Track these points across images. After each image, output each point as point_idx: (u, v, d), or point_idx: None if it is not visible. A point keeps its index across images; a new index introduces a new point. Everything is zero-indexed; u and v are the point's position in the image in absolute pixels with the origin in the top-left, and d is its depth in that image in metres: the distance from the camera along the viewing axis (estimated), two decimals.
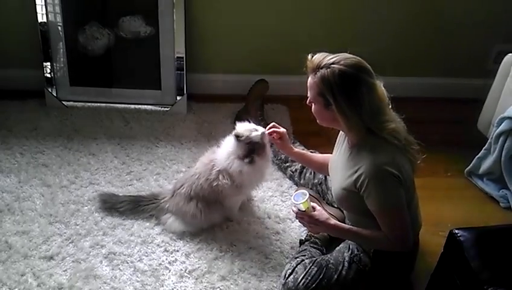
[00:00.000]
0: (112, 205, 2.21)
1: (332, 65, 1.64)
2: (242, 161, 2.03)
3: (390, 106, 1.72)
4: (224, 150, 2.09)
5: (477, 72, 2.99)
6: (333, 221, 1.83)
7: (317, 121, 1.83)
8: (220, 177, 2.06)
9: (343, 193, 1.79)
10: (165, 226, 2.17)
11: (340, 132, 1.94)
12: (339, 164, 1.85)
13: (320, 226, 1.82)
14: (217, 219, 2.18)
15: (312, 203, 1.84)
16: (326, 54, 1.69)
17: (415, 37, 2.93)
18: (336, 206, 2.17)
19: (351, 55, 1.68)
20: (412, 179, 1.79)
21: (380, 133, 1.68)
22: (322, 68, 1.65)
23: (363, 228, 1.83)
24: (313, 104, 1.76)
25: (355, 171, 1.71)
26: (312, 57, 1.70)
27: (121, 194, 2.27)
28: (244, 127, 2.07)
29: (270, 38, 2.90)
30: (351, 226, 1.83)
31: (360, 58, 1.68)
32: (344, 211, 2.00)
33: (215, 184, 2.06)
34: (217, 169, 2.07)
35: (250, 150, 2.02)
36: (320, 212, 1.83)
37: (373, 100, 1.66)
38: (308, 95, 1.75)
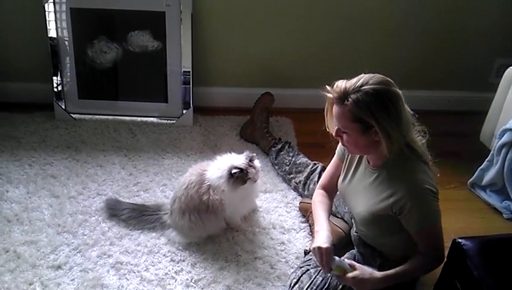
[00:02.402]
0: (115, 211, 2.25)
1: (362, 87, 1.58)
2: (229, 181, 2.06)
3: (414, 114, 1.70)
4: (217, 167, 2.11)
5: (480, 86, 3.03)
6: (379, 273, 1.71)
7: (348, 151, 1.79)
8: (211, 192, 2.08)
9: (372, 217, 1.76)
10: (169, 240, 2.19)
11: (339, 151, 1.94)
12: (360, 187, 1.81)
13: (366, 284, 1.70)
14: (213, 229, 2.18)
15: (348, 261, 1.74)
16: (344, 80, 1.63)
17: (417, 51, 2.97)
18: (339, 216, 2.19)
19: (371, 74, 1.63)
20: None
21: (414, 145, 1.67)
22: (351, 94, 1.58)
23: (381, 245, 1.86)
24: (344, 135, 1.68)
25: (391, 195, 1.67)
26: (332, 86, 1.64)
27: (125, 201, 2.31)
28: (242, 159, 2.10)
29: (275, 52, 2.94)
30: (397, 270, 1.72)
31: (380, 74, 1.65)
32: (356, 226, 1.97)
33: (205, 198, 2.08)
34: (208, 183, 2.09)
35: (237, 175, 2.05)
36: (362, 270, 1.71)
37: (406, 111, 1.64)
38: (337, 125, 1.68)
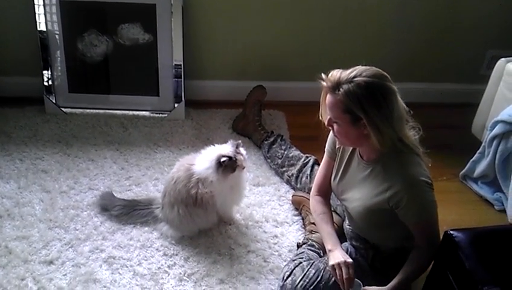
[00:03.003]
0: (107, 206, 2.24)
1: (355, 78, 1.58)
2: (218, 171, 2.04)
3: (408, 111, 1.69)
4: (204, 160, 2.10)
5: (471, 78, 3.04)
6: (385, 288, 1.72)
7: (339, 142, 1.78)
8: (200, 185, 2.06)
9: (368, 211, 1.76)
10: (162, 234, 2.19)
11: (328, 150, 1.94)
12: (354, 182, 1.82)
13: None
14: (203, 223, 2.17)
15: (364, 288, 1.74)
16: (341, 70, 1.63)
17: (409, 43, 2.97)
18: (332, 209, 2.18)
19: (367, 66, 1.63)
20: None
21: (407, 140, 1.66)
22: (343, 84, 1.58)
23: (375, 238, 1.87)
24: (334, 125, 1.69)
25: (387, 189, 1.68)
26: (327, 75, 1.64)
27: (118, 196, 2.30)
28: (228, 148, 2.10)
29: (267, 45, 2.93)
30: (400, 276, 1.73)
31: (376, 68, 1.64)
32: (349, 219, 1.97)
33: (193, 191, 2.06)
34: (197, 177, 2.07)
35: (226, 164, 2.04)
36: None
37: (399, 107, 1.63)
38: (328, 114, 1.68)
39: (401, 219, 1.71)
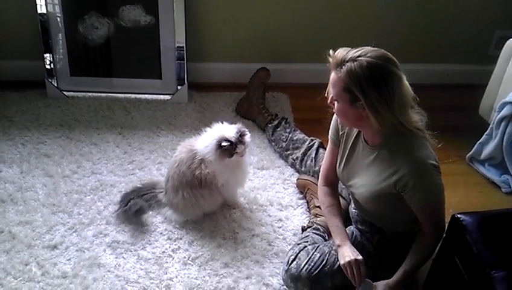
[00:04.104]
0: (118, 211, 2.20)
1: (359, 58, 1.55)
2: (215, 152, 2.02)
3: (415, 98, 1.65)
4: (206, 138, 2.08)
5: (479, 58, 3.00)
6: (391, 280, 1.72)
7: (340, 120, 1.78)
8: (203, 166, 2.05)
9: (374, 195, 1.74)
10: (166, 218, 2.18)
11: (332, 137, 1.92)
12: (359, 168, 1.80)
13: None
14: (208, 206, 2.15)
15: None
16: (349, 48, 1.60)
17: (416, 23, 2.93)
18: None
19: (375, 48, 1.60)
20: None
21: (409, 126, 1.64)
22: (347, 62, 1.56)
23: (381, 221, 1.85)
24: (336, 103, 1.67)
25: (394, 173, 1.65)
26: (334, 52, 1.62)
27: (123, 193, 2.24)
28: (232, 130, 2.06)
29: (271, 26, 2.89)
30: (405, 267, 1.73)
31: (384, 51, 1.61)
32: (354, 203, 1.95)
33: (197, 172, 2.05)
34: (199, 158, 2.05)
35: (226, 148, 2.02)
36: (380, 286, 1.72)
37: (402, 92, 1.59)
38: (331, 92, 1.66)
39: (407, 202, 1.69)
